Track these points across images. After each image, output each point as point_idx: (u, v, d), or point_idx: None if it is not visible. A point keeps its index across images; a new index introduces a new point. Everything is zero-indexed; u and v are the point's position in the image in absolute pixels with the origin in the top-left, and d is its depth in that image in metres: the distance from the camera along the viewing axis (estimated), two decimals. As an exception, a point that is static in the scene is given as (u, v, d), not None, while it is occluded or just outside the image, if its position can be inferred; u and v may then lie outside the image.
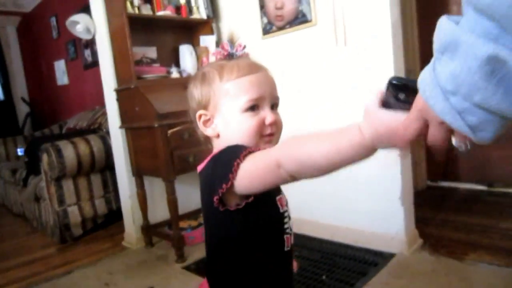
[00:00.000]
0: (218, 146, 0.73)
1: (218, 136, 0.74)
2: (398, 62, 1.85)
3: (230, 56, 0.76)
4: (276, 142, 0.73)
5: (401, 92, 0.46)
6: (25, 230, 3.04)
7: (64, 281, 2.03)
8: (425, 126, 0.44)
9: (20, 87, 5.20)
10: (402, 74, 1.90)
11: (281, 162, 0.55)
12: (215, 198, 0.62)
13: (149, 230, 2.36)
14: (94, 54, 3.79)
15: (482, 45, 0.35)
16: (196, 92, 0.75)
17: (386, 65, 1.83)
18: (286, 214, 0.75)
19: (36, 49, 5.16)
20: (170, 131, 2.04)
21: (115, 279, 1.99)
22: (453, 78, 0.37)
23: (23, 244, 2.74)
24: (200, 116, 0.75)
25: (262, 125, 0.70)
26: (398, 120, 0.46)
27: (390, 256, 1.89)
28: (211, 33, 2.54)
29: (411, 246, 1.92)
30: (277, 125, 0.72)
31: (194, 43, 2.57)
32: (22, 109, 5.06)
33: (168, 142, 2.03)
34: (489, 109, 0.37)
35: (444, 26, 0.39)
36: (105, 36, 2.29)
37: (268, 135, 0.71)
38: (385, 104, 0.48)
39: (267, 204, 0.71)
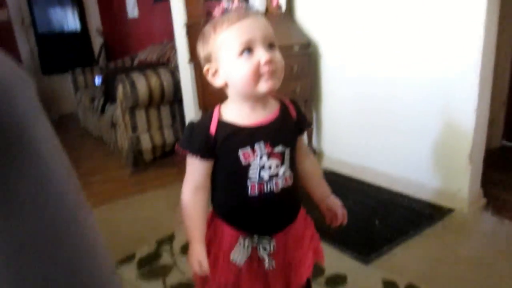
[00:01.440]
0: (230, 93, 0.86)
1: (226, 84, 0.83)
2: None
3: (226, 11, 0.82)
4: (278, 79, 0.80)
5: None
6: (103, 152, 3.38)
7: (138, 199, 2.28)
8: None
9: (94, 20, 5.45)
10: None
11: (181, 197, 0.90)
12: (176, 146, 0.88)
13: (212, 162, 2.53)
14: (164, -13, 3.82)
15: None
16: (200, 50, 0.85)
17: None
18: (254, 165, 0.84)
19: (109, -20, 5.31)
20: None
21: (181, 202, 2.21)
22: None
23: (102, 164, 3.07)
24: (207, 71, 0.85)
25: (258, 66, 0.77)
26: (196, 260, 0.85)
27: (448, 211, 1.88)
28: (282, -33, 2.45)
29: (472, 205, 1.88)
30: (275, 63, 0.78)
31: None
32: (97, 41, 5.34)
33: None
34: None
35: None
36: (178, -31, 2.31)
37: (267, 73, 0.77)
38: None
39: (229, 158, 0.85)
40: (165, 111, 2.92)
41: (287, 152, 0.87)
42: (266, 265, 0.88)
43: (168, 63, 3.23)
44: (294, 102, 0.94)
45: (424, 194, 2.00)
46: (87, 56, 5.31)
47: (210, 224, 0.92)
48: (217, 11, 0.82)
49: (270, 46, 0.79)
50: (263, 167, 0.84)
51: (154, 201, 2.24)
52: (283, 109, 0.90)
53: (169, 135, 2.95)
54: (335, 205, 1.00)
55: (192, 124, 0.88)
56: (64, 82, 4.97)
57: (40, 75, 5.15)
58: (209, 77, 0.85)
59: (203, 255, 0.84)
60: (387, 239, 1.70)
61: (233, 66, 0.79)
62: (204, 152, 0.85)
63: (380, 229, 1.80)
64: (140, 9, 4.73)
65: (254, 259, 0.88)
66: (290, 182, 0.88)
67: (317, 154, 2.54)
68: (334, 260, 1.53)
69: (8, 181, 0.27)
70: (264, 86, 0.78)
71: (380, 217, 1.89)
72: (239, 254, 0.87)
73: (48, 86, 5.18)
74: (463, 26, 1.70)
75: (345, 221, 1.01)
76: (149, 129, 2.86)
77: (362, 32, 2.14)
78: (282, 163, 0.86)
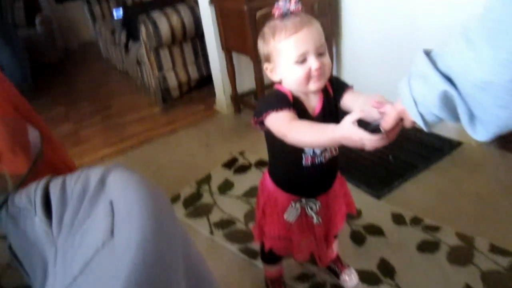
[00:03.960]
0: (285, 86, 0.98)
1: (281, 81, 0.98)
2: None
3: (284, 15, 0.92)
4: (325, 79, 0.94)
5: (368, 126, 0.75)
6: (130, 88, 3.55)
7: (172, 140, 2.52)
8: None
9: None
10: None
11: (286, 136, 0.88)
12: (253, 120, 0.98)
13: (237, 99, 2.69)
14: None
15: (442, 83, 0.58)
16: (260, 48, 0.98)
17: None
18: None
19: None
20: (258, 13, 2.12)
21: (212, 141, 2.44)
22: (423, 96, 0.63)
23: (132, 102, 3.27)
24: (266, 68, 0.98)
25: (309, 72, 0.91)
26: (357, 136, 0.75)
27: (457, 144, 2.05)
28: None
29: (480, 137, 2.02)
30: (323, 68, 0.91)
31: None
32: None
33: (256, 24, 2.13)
34: (438, 116, 0.63)
35: (421, 60, 0.61)
36: None
37: (316, 76, 0.91)
38: (359, 123, 0.75)
39: None
40: (188, 47, 3.00)
41: None
42: (315, 221, 1.10)
43: (185, -6, 3.19)
44: (330, 79, 1.04)
45: (436, 128, 2.14)
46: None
47: (264, 189, 1.14)
48: (276, 11, 0.93)
49: (320, 54, 0.92)
50: None
51: (187, 141, 2.48)
52: (324, 90, 1.02)
53: (193, 71, 3.07)
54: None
55: (273, 92, 0.99)
56: (78, 10, 4.93)
57: (53, 3, 5.10)
58: (268, 73, 0.99)
59: (352, 128, 0.76)
60: (398, 174, 1.92)
61: (289, 71, 0.93)
62: (289, 106, 0.93)
63: (394, 164, 2.00)
64: None
65: (302, 215, 1.10)
66: (334, 152, 1.06)
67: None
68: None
69: None
70: (313, 86, 0.93)
71: (393, 153, 2.08)
72: (291, 214, 1.09)
73: (63, 14, 5.16)
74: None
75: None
76: (173, 67, 2.98)
77: None
78: None
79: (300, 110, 0.96)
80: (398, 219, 1.65)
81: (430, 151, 2.05)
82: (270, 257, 1.30)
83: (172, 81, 3.00)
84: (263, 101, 1.04)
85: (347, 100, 0.98)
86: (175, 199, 1.89)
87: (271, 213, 1.13)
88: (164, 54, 2.91)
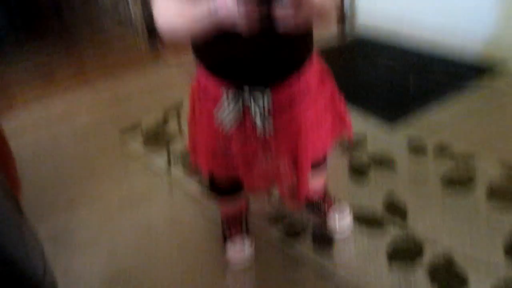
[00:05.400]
0: None
1: None
2: None
3: None
4: None
5: None
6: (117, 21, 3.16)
7: (151, 70, 2.14)
8: None
9: None
10: None
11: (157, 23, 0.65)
12: None
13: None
14: None
15: None
16: None
17: None
18: None
19: None
20: None
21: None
22: None
23: (118, 34, 2.89)
24: None
25: None
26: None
27: (500, 61, 1.55)
28: None
29: None
30: None
31: None
32: None
33: None
34: None
35: None
36: None
37: None
38: None
39: None
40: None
41: None
42: (258, 128, 0.70)
43: None
44: None
45: (473, 44, 1.65)
46: None
47: (195, 81, 0.75)
48: None
49: None
50: None
51: (167, 70, 2.09)
52: None
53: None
54: None
55: None
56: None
57: None
58: None
59: None
60: (420, 97, 1.46)
61: None
62: None
63: (415, 86, 1.55)
64: None
65: (247, 121, 0.70)
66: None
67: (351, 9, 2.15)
68: (358, 122, 1.34)
69: None
70: None
71: (416, 74, 1.62)
72: (225, 112, 0.69)
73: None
74: None
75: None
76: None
77: None
78: None
79: None
80: (416, 147, 1.22)
81: (465, 71, 1.58)
82: (216, 187, 0.90)
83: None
84: None
85: None
86: (134, 127, 1.52)
87: (200, 112, 0.74)
88: (146, -26, 2.47)
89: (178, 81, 1.93)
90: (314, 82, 0.73)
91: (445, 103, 1.41)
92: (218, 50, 0.66)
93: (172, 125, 1.50)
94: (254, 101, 0.68)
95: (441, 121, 1.33)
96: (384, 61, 1.76)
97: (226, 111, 0.69)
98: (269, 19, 0.56)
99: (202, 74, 0.72)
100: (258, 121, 0.69)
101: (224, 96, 0.68)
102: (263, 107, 0.68)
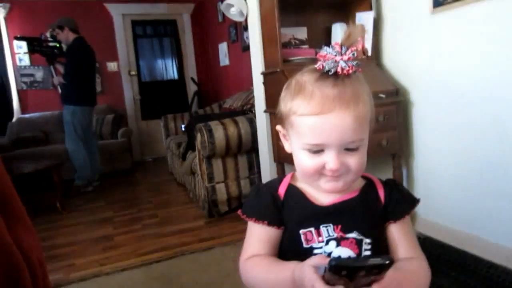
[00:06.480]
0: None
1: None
2: None
3: (326, 72, 0.64)
4: (345, 183, 0.68)
5: (343, 271, 0.53)
6: (184, 199, 3.40)
7: (205, 256, 2.15)
8: None
9: (190, 68, 5.82)
10: None
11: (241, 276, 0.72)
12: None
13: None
14: (251, 36, 3.89)
15: None
16: (280, 101, 0.72)
17: None
18: (318, 251, 0.68)
19: (204, 33, 5.67)
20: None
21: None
22: None
23: (180, 212, 3.05)
24: (279, 131, 0.75)
25: (321, 168, 0.66)
26: (309, 282, 0.57)
27: None
28: (369, 9, 2.24)
29: None
30: (346, 168, 0.66)
31: (349, 22, 2.31)
32: (191, 88, 5.65)
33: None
34: None
35: None
36: (256, 18, 2.26)
37: (331, 176, 0.66)
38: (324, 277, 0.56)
39: (291, 235, 0.71)
40: (242, 160, 2.82)
41: (367, 242, 0.68)
42: None
43: (250, 110, 3.18)
44: (387, 183, 0.75)
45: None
46: (181, 103, 5.63)
47: None
48: (319, 62, 0.65)
49: (350, 149, 0.66)
50: (329, 256, 0.66)
51: (219, 260, 2.08)
52: (366, 188, 0.73)
53: (245, 186, 2.83)
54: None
55: (258, 185, 0.78)
56: (158, 127, 5.30)
57: (140, 120, 5.60)
58: (280, 137, 0.76)
59: (312, 275, 0.58)
60: None
61: (297, 153, 0.70)
62: (270, 217, 0.71)
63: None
64: (230, 57, 4.91)
65: None
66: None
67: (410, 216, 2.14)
68: None
69: None
70: (325, 185, 0.68)
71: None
72: None
73: (145, 130, 5.61)
74: None
75: None
76: (225, 179, 2.78)
77: (458, 74, 1.79)
78: (359, 255, 0.67)
79: (298, 200, 0.71)
80: None
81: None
82: None
83: (221, 194, 2.76)
84: (250, 194, 0.79)
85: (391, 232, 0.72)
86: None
87: None
88: (217, 164, 2.74)
89: (227, 274, 1.89)
90: None
91: None
92: None
93: None
94: None
95: None
96: (449, 280, 1.62)
97: None
98: None
99: None
100: None
101: None
102: None
